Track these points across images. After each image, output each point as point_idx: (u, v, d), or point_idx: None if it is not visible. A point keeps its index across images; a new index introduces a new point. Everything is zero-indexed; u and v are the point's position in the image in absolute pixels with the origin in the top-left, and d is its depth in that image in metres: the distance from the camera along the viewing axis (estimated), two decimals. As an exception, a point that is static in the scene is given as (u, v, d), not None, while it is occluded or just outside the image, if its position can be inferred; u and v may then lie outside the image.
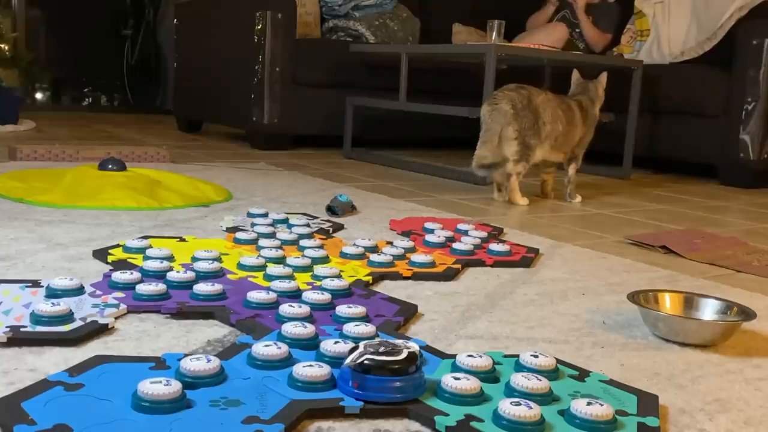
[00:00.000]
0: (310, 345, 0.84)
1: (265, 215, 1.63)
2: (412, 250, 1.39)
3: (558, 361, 0.85)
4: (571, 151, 2.27)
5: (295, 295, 1.04)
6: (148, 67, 5.75)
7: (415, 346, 0.75)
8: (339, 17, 3.74)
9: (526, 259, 1.41)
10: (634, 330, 1.04)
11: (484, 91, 2.53)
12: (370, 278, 1.18)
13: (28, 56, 4.07)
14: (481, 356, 0.81)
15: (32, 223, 1.46)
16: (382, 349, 0.73)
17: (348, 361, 0.73)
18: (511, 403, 0.69)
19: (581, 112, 2.26)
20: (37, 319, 0.87)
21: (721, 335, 1.00)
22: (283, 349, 0.79)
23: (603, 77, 2.34)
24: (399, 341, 0.75)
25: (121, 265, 1.16)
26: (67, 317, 0.88)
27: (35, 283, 1.01)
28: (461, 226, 1.63)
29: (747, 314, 1.01)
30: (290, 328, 0.85)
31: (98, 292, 1.00)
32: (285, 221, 1.60)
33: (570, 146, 2.25)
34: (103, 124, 4.29)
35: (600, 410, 0.70)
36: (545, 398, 0.75)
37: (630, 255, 1.56)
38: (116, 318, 0.93)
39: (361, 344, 0.74)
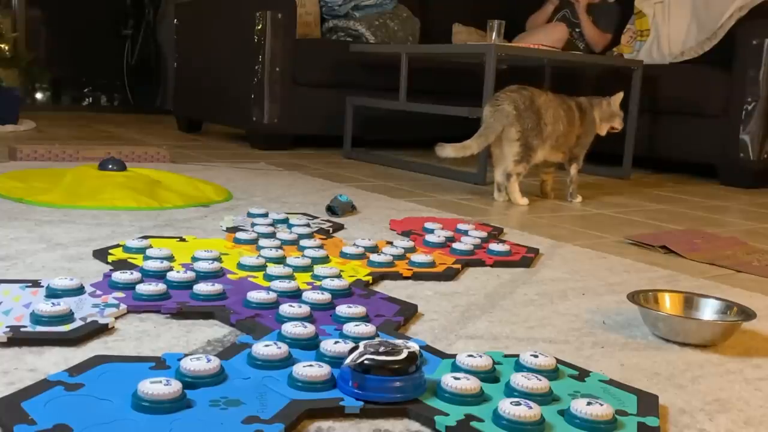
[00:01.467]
0: (310, 345, 0.84)
1: (265, 215, 1.63)
2: (412, 250, 1.39)
3: (558, 361, 0.85)
4: (570, 152, 2.26)
5: (295, 295, 1.04)
6: (148, 67, 5.74)
7: (415, 346, 0.75)
8: (339, 17, 3.74)
9: (526, 259, 1.41)
10: (634, 330, 1.04)
11: (484, 91, 2.53)
12: (370, 278, 1.18)
13: (28, 56, 4.07)
14: (481, 356, 0.81)
15: (32, 223, 1.46)
16: (382, 349, 0.73)
17: (348, 361, 0.73)
18: (511, 403, 0.69)
19: (580, 112, 2.25)
20: (37, 319, 0.87)
21: (721, 335, 1.00)
22: (283, 349, 0.79)
23: (618, 96, 2.31)
24: (399, 341, 0.75)
25: (121, 265, 1.16)
26: (67, 317, 0.88)
27: (35, 283, 1.01)
28: (461, 226, 1.63)
29: (747, 314, 1.01)
30: (290, 328, 0.85)
31: (98, 292, 1.00)
32: (285, 221, 1.60)
33: (568, 146, 2.24)
34: (103, 124, 4.29)
35: (600, 410, 0.70)
36: (545, 398, 0.75)
37: (630, 255, 1.56)
38: (116, 318, 0.93)
39: (361, 344, 0.74)
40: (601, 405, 0.71)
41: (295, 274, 1.16)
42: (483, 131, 2.15)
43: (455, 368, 0.80)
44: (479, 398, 0.73)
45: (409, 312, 1.03)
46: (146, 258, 1.17)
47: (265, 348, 0.79)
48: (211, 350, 0.86)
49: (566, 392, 0.77)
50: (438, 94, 3.30)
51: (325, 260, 1.27)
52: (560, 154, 2.24)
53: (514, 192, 2.17)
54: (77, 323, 0.88)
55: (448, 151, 2.16)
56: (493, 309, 1.10)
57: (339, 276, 1.15)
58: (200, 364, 0.73)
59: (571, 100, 2.27)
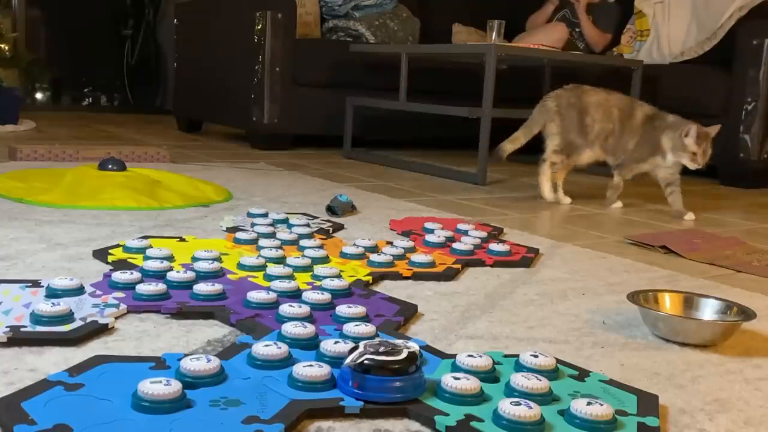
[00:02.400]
0: (310, 345, 0.84)
1: (265, 215, 1.63)
2: (412, 250, 1.39)
3: (558, 361, 0.85)
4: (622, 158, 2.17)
5: (295, 295, 1.04)
6: (148, 67, 5.75)
7: (415, 346, 0.75)
8: (339, 17, 3.74)
9: (526, 259, 1.41)
10: (634, 330, 1.04)
11: (484, 91, 2.54)
12: (370, 278, 1.18)
13: (28, 56, 4.07)
14: (481, 356, 0.81)
15: (32, 223, 1.46)
16: (382, 349, 0.73)
17: (348, 361, 0.73)
18: (511, 403, 0.69)
19: (646, 123, 2.12)
20: (37, 319, 0.87)
21: (721, 335, 1.00)
22: (283, 349, 0.79)
23: (693, 130, 2.02)
24: (399, 341, 0.75)
25: (121, 265, 1.16)
26: (67, 317, 0.88)
27: (35, 283, 1.01)
28: (461, 226, 1.63)
29: (747, 314, 1.01)
30: (290, 328, 0.85)
31: (98, 292, 1.00)
32: (285, 221, 1.60)
33: (622, 151, 2.15)
34: (103, 124, 4.29)
35: (600, 410, 0.70)
36: (545, 398, 0.75)
37: (630, 255, 1.56)
38: (116, 318, 0.93)
39: (361, 344, 0.74)
40: (601, 405, 0.71)
41: (295, 274, 1.16)
42: (527, 123, 2.23)
43: (455, 368, 0.80)
44: (479, 398, 0.73)
45: (409, 312, 1.03)
46: (146, 258, 1.17)
47: (265, 348, 0.79)
48: (211, 350, 0.86)
49: (566, 392, 0.77)
50: (438, 94, 3.30)
51: (325, 260, 1.27)
52: (615, 159, 2.17)
53: (543, 183, 2.20)
54: (77, 323, 0.88)
55: (505, 147, 2.23)
56: (493, 309, 1.10)
57: (339, 276, 1.15)
58: (200, 364, 0.73)
59: (642, 108, 2.15)
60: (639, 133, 2.13)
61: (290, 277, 1.12)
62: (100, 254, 1.22)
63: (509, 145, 2.23)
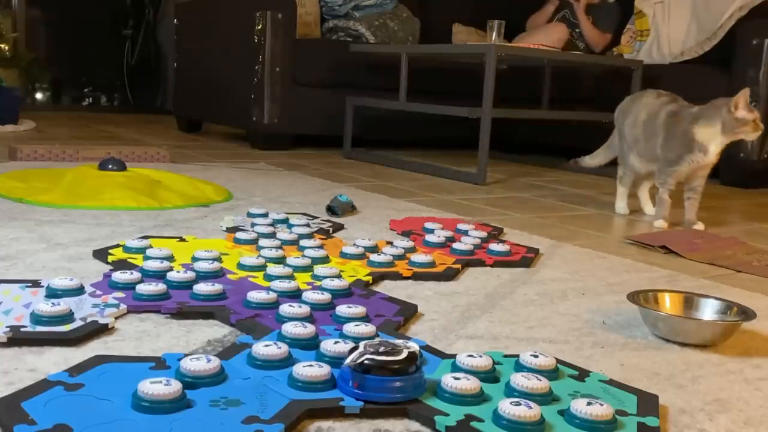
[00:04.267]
0: (310, 345, 0.84)
1: (265, 215, 1.63)
2: (412, 250, 1.39)
3: (558, 361, 0.85)
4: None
5: (295, 295, 1.04)
6: (148, 67, 5.75)
7: (415, 346, 0.75)
8: (339, 17, 3.74)
9: (526, 259, 1.41)
10: (634, 330, 1.04)
11: (484, 91, 2.54)
12: (370, 278, 1.18)
13: (28, 56, 4.07)
14: (481, 356, 0.81)
15: (32, 223, 1.46)
16: (382, 349, 0.73)
17: (348, 361, 0.73)
18: (511, 403, 0.69)
19: (668, 118, 1.95)
20: (37, 319, 0.87)
21: (721, 335, 1.00)
22: (283, 349, 0.79)
23: (742, 95, 1.85)
24: (399, 341, 0.75)
25: (121, 265, 1.16)
26: (67, 317, 0.88)
27: (35, 283, 1.01)
28: (461, 226, 1.63)
29: (747, 314, 1.01)
30: (290, 328, 0.85)
31: (98, 292, 1.00)
32: (285, 221, 1.60)
33: (655, 158, 2.00)
34: (103, 124, 4.29)
35: (600, 410, 0.70)
36: (545, 398, 0.75)
37: (630, 255, 1.56)
38: (116, 318, 0.93)
39: (361, 344, 0.74)
40: (601, 405, 0.71)
41: (295, 274, 1.16)
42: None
43: (455, 368, 0.80)
44: (479, 398, 0.73)
45: (409, 312, 1.03)
46: (146, 258, 1.17)
47: (265, 348, 0.79)
48: (211, 350, 0.86)
49: (566, 392, 0.77)
50: (438, 94, 3.30)
51: (325, 260, 1.27)
52: (654, 165, 2.05)
53: (617, 195, 2.18)
54: (77, 323, 0.88)
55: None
56: (493, 309, 1.10)
57: (339, 276, 1.15)
58: (200, 364, 0.73)
59: (667, 106, 1.99)
60: (662, 132, 1.95)
61: (290, 277, 1.12)
62: (100, 254, 1.22)
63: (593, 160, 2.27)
